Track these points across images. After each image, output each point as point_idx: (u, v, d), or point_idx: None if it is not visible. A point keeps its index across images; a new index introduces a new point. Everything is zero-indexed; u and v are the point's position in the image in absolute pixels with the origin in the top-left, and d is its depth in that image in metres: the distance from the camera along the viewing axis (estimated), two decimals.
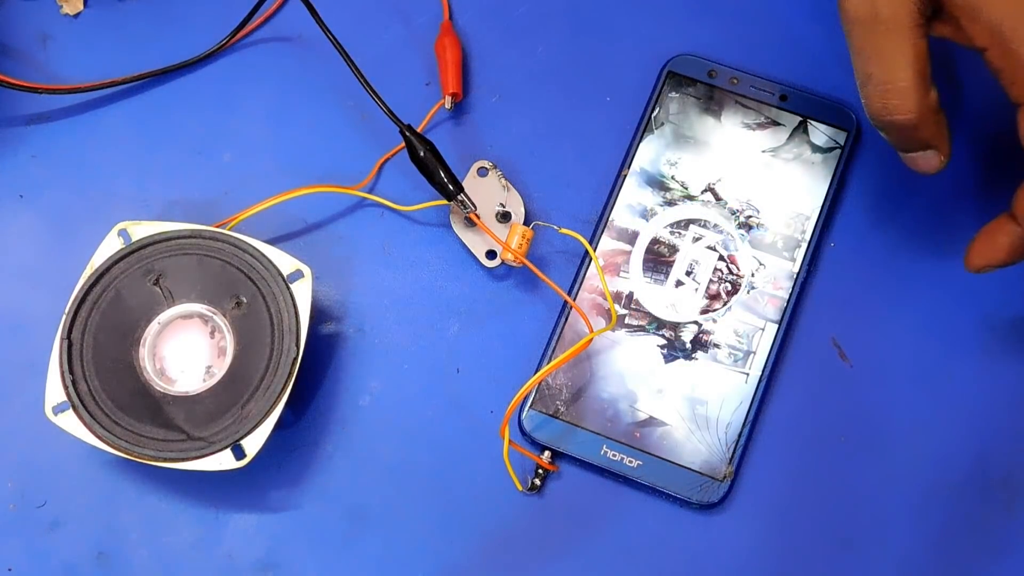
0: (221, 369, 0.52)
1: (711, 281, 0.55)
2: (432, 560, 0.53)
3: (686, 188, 0.57)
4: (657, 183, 0.57)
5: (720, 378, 0.54)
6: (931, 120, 0.49)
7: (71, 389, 0.51)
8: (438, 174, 0.54)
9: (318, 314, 0.56)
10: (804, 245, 0.56)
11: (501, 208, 0.56)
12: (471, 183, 0.57)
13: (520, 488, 0.53)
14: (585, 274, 0.56)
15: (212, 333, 0.53)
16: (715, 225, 0.56)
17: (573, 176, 0.58)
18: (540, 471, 0.53)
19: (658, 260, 0.56)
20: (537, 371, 0.54)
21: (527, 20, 0.61)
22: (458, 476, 0.54)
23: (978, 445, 0.54)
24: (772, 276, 0.55)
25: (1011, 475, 0.54)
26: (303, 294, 0.52)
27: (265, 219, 0.56)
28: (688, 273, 0.56)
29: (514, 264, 0.54)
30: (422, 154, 0.54)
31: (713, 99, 0.58)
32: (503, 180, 0.57)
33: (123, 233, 0.53)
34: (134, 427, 0.50)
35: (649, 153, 0.57)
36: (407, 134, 0.55)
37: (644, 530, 0.53)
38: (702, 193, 0.57)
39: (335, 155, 0.59)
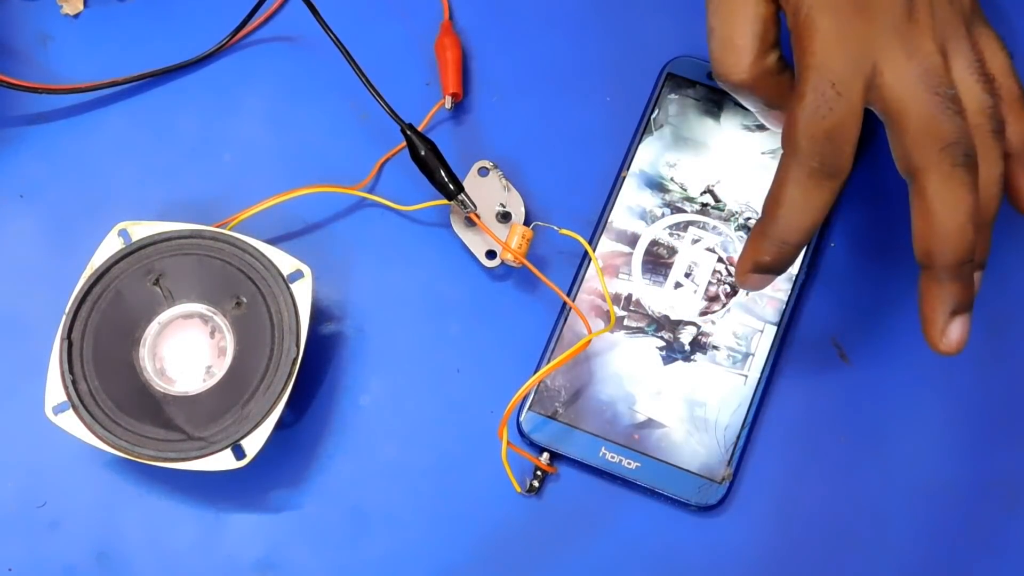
0: (221, 369, 0.52)
1: (710, 283, 0.55)
2: (431, 560, 0.53)
3: (685, 190, 0.57)
4: (656, 184, 0.57)
5: (719, 380, 0.54)
6: (768, 82, 0.49)
7: (71, 389, 0.51)
8: (439, 173, 0.54)
9: (318, 314, 0.56)
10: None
11: (501, 208, 0.56)
12: (472, 183, 0.57)
13: (519, 490, 0.53)
14: (584, 275, 0.56)
15: (212, 333, 0.53)
16: (714, 227, 0.56)
17: (573, 176, 0.58)
18: (539, 473, 0.53)
19: (657, 261, 0.56)
20: (536, 372, 0.54)
21: (527, 20, 0.60)
22: (458, 476, 0.54)
23: (978, 445, 0.54)
24: None
25: (1011, 475, 0.54)
26: (303, 294, 0.52)
27: (265, 219, 0.56)
28: (687, 275, 0.56)
29: (514, 264, 0.54)
30: (423, 153, 0.54)
31: (712, 101, 0.58)
32: (503, 180, 0.57)
33: (123, 233, 0.53)
34: (134, 427, 0.51)
35: (648, 154, 0.57)
36: (408, 133, 0.55)
37: (642, 532, 0.53)
38: (701, 195, 0.57)
39: (335, 155, 0.59)
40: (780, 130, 0.53)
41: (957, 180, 0.46)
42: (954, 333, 0.48)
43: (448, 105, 0.58)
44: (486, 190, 0.57)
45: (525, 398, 0.54)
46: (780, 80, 0.50)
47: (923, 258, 0.47)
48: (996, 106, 0.48)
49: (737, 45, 0.48)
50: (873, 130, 0.50)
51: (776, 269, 0.49)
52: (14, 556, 0.54)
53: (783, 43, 0.49)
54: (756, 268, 0.49)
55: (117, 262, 0.52)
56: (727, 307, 0.55)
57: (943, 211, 0.46)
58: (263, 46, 0.61)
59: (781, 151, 0.48)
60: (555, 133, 0.59)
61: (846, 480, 0.54)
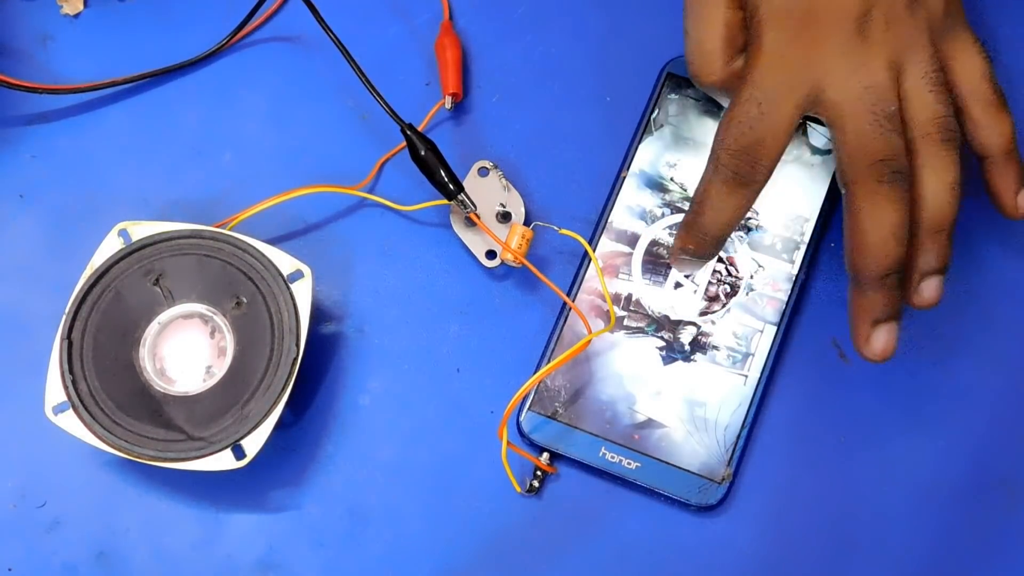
0: (221, 369, 0.52)
1: (710, 283, 0.55)
2: (431, 561, 0.53)
3: (685, 190, 0.57)
4: (656, 185, 0.57)
5: (719, 380, 0.54)
6: (737, 84, 0.51)
7: (71, 389, 0.51)
8: (439, 173, 0.54)
9: (318, 314, 0.56)
10: (803, 247, 0.56)
11: (501, 208, 0.56)
12: (472, 183, 0.57)
13: (519, 490, 0.53)
14: (584, 275, 0.56)
15: (212, 333, 0.53)
16: None
17: (573, 176, 0.58)
18: (539, 473, 0.53)
19: (657, 262, 0.56)
20: (536, 372, 0.54)
21: (527, 20, 0.60)
22: (458, 476, 0.54)
23: (978, 445, 0.54)
24: (771, 278, 0.55)
25: (1011, 475, 0.54)
26: (303, 294, 0.52)
27: (265, 219, 0.56)
28: (687, 275, 0.56)
29: (514, 264, 0.55)
30: (423, 153, 0.54)
31: (712, 101, 0.57)
32: (503, 180, 0.57)
33: (123, 233, 0.53)
34: (134, 427, 0.51)
35: (648, 154, 0.57)
36: (408, 133, 0.55)
37: (642, 532, 0.53)
38: None
39: (335, 155, 0.59)
40: None
41: (882, 196, 0.48)
42: (877, 342, 0.50)
43: (448, 105, 0.58)
44: (486, 190, 0.57)
45: (525, 398, 0.54)
46: None
47: (849, 269, 0.50)
48: (948, 115, 0.50)
49: (707, 49, 0.51)
50: None
51: (701, 256, 0.52)
52: (14, 556, 0.54)
53: None
54: (683, 254, 0.52)
55: (117, 262, 0.52)
56: (727, 307, 0.55)
57: (866, 225, 0.49)
58: (263, 46, 0.61)
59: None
60: (555, 133, 0.59)
61: (846, 480, 0.54)
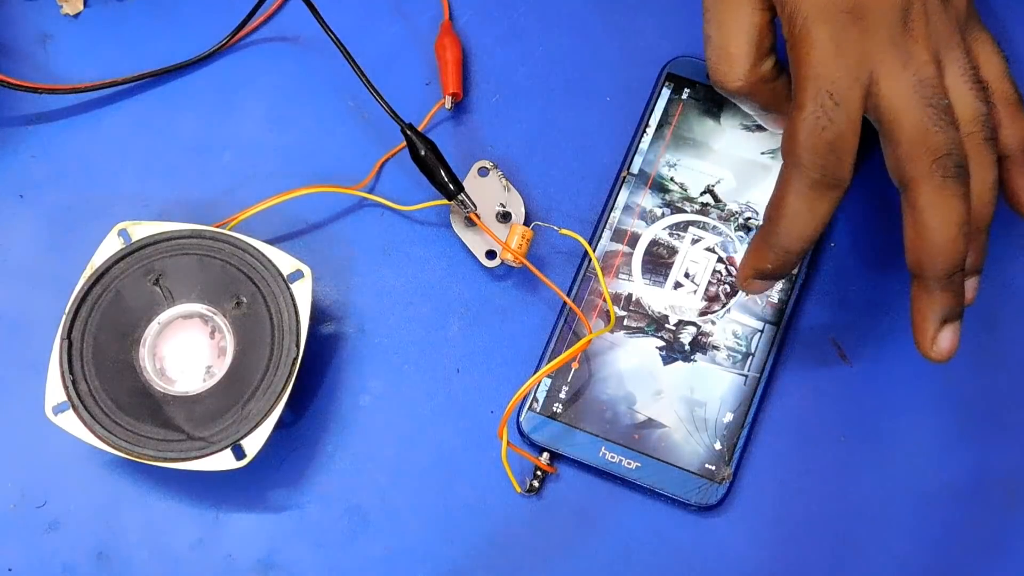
0: (221, 369, 0.52)
1: (710, 283, 0.55)
2: (431, 561, 0.53)
3: (685, 190, 0.57)
4: (656, 185, 0.57)
5: (719, 380, 0.54)
6: (763, 88, 0.50)
7: (71, 389, 0.51)
8: (439, 173, 0.54)
9: (318, 314, 0.56)
10: None
11: (501, 208, 0.56)
12: (472, 183, 0.57)
13: (519, 490, 0.53)
14: (584, 275, 0.56)
15: (212, 333, 0.53)
16: (714, 227, 0.56)
17: (573, 176, 0.58)
18: (539, 472, 0.53)
19: (657, 262, 0.56)
20: (536, 372, 0.54)
21: (527, 20, 0.61)
22: (458, 476, 0.54)
23: (978, 445, 0.54)
24: None
25: (1011, 475, 0.54)
26: (303, 294, 0.52)
27: (265, 219, 0.56)
28: (687, 275, 0.56)
29: (514, 264, 0.55)
30: (423, 153, 0.54)
31: (712, 101, 0.58)
32: (503, 180, 0.57)
33: (123, 233, 0.53)
34: (134, 427, 0.51)
35: (648, 155, 0.57)
36: (408, 133, 0.55)
37: (642, 532, 0.53)
38: (701, 195, 0.57)
39: (335, 155, 0.59)
40: (778, 131, 0.53)
41: (948, 192, 0.47)
42: (944, 341, 0.49)
43: (448, 105, 0.58)
44: (486, 190, 0.57)
45: (525, 398, 0.54)
46: (776, 85, 0.51)
47: (914, 268, 0.48)
48: (989, 113, 0.49)
49: (732, 53, 0.50)
50: (874, 131, 0.49)
51: (778, 276, 0.50)
52: (14, 556, 0.54)
53: (780, 48, 0.50)
54: (758, 275, 0.50)
55: (117, 262, 0.52)
56: (727, 307, 0.55)
57: (934, 223, 0.47)
58: (263, 46, 0.61)
59: (782, 160, 0.48)
60: (555, 133, 0.59)
61: (846, 480, 0.54)
